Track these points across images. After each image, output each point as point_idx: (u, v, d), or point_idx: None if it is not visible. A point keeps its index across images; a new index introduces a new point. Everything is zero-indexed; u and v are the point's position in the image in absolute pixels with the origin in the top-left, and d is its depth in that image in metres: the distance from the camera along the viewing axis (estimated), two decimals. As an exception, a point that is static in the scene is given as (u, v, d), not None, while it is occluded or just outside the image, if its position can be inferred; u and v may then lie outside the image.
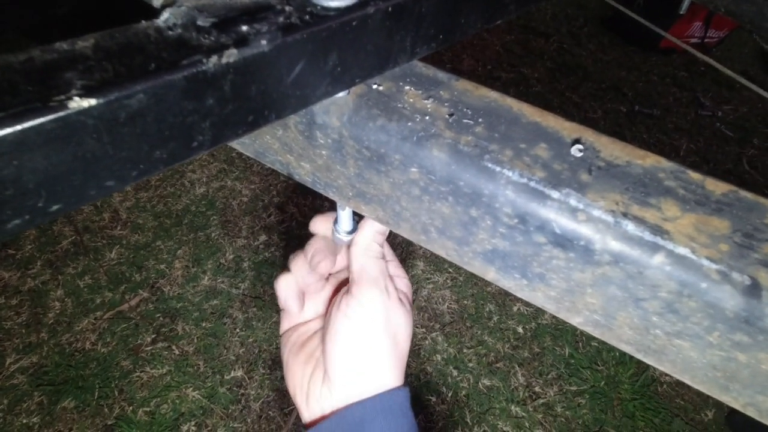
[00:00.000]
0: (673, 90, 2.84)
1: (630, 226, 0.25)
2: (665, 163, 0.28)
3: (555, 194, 0.26)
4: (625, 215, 0.25)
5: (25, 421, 1.44)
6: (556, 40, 3.08)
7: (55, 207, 0.20)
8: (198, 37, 0.21)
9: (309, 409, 0.40)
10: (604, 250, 0.26)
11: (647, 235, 0.25)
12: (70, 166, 0.19)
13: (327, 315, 0.43)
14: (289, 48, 0.24)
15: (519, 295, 0.33)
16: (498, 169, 0.27)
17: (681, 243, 0.24)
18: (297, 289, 0.45)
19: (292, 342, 0.45)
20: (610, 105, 2.68)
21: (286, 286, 0.45)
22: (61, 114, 0.18)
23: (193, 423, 1.47)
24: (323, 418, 0.38)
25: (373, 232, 0.42)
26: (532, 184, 0.27)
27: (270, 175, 2.13)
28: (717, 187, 0.26)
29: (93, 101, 0.19)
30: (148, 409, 1.49)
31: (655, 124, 2.59)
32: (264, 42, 0.22)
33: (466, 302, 1.78)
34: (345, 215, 0.42)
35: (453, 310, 1.76)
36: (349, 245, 0.44)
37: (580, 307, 0.30)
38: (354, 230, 0.43)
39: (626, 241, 0.25)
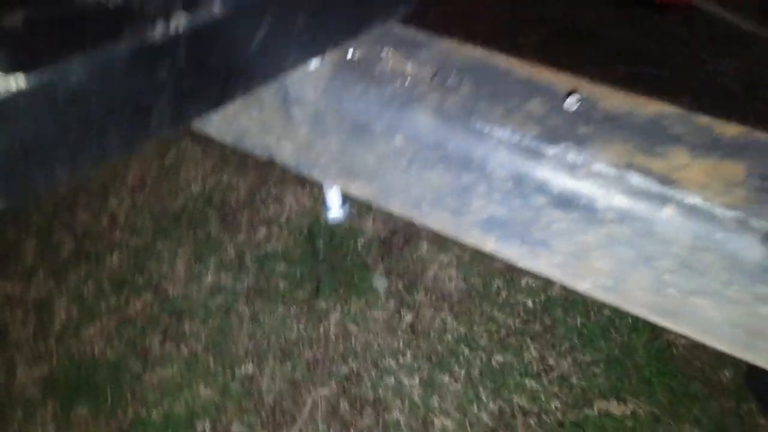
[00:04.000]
0: (673, 48, 2.78)
1: (635, 179, 0.23)
2: (670, 110, 0.25)
3: (551, 151, 0.24)
4: (628, 167, 0.23)
5: (40, 430, 1.45)
6: (551, 3, 3.01)
7: (-4, 202, 0.18)
8: (141, 1, 0.19)
9: None
10: (608, 207, 0.23)
11: (654, 187, 0.22)
12: (7, 154, 0.17)
13: None
14: (247, 9, 0.21)
15: (521, 264, 0.31)
16: (487, 128, 0.25)
17: (692, 192, 0.22)
18: None
19: None
20: (607, 66, 2.62)
21: None
22: (-15, 95, 0.16)
23: (207, 420, 1.47)
24: None
25: None
26: (526, 141, 0.25)
27: (265, 168, 2.10)
28: (727, 129, 0.24)
29: (23, 79, 0.16)
30: (162, 410, 1.49)
31: (656, 84, 2.54)
32: (217, 2, 0.20)
33: (473, 280, 1.76)
34: (333, 194, 0.40)
35: (461, 288, 1.75)
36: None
37: (586, 271, 0.28)
38: (344, 208, 0.41)
39: (631, 195, 0.23)
